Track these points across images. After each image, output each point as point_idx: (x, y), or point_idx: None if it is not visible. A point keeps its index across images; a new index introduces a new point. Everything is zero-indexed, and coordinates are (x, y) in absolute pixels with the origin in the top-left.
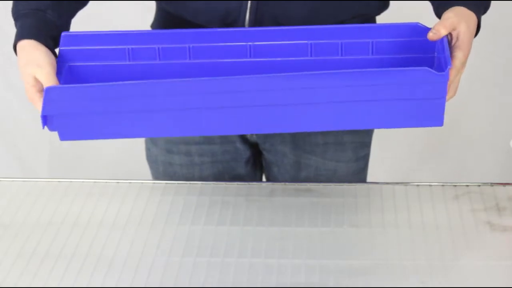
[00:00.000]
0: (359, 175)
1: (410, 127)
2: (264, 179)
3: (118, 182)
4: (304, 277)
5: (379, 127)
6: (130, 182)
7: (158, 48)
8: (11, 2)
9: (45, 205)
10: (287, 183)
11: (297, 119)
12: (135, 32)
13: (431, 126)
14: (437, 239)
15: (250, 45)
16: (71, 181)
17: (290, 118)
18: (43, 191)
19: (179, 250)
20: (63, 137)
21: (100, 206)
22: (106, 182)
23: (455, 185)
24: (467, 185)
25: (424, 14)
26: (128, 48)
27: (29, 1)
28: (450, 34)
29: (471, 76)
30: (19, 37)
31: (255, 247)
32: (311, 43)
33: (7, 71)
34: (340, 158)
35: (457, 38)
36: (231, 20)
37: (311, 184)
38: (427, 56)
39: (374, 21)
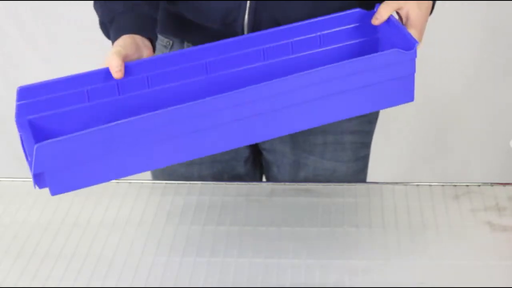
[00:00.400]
0: (358, 175)
1: (385, 107)
2: (264, 179)
3: (118, 182)
4: (304, 277)
5: (355, 114)
6: (130, 182)
7: (117, 84)
8: (16, 2)
9: (45, 205)
10: (287, 183)
11: (284, 121)
12: (90, 72)
13: (403, 103)
14: (437, 239)
15: (205, 62)
16: None
17: (278, 122)
18: (43, 191)
19: (179, 250)
20: (54, 191)
21: (100, 206)
22: None
23: (455, 185)
24: (467, 185)
25: None
26: (87, 89)
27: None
28: (398, 13)
29: (472, 76)
30: (120, 32)
31: (255, 247)
32: (263, 48)
33: (7, 71)
34: (339, 158)
35: (407, 17)
36: (231, 20)
37: (311, 184)
38: (372, 38)
39: None
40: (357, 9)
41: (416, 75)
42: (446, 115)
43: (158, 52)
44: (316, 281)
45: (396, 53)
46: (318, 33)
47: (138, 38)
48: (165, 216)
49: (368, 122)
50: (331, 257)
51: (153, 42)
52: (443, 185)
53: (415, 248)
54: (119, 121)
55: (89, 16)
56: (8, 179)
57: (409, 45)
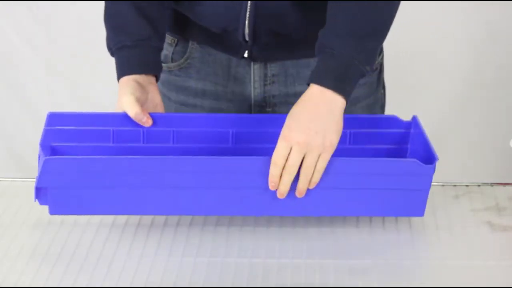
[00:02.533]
0: None
1: (391, 215)
2: None
3: None
4: (304, 277)
5: (361, 215)
6: None
7: (143, 131)
8: (15, 2)
9: (45, 205)
10: None
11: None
12: (119, 114)
13: (411, 216)
14: (437, 239)
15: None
16: None
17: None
18: None
19: (179, 250)
20: (53, 211)
21: None
22: None
23: (455, 185)
24: (467, 185)
25: (423, 15)
26: (113, 130)
27: (129, 32)
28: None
29: (471, 76)
30: (126, 70)
31: (255, 247)
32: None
33: (7, 71)
34: None
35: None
36: (232, 29)
37: None
38: (402, 147)
39: None
40: (392, 116)
41: (416, 73)
42: (446, 114)
43: (164, 50)
44: (316, 281)
45: (413, 164)
46: (349, 130)
47: (141, 79)
48: (164, 216)
49: None
50: (331, 257)
51: (157, 77)
52: (443, 185)
53: (415, 248)
54: (122, 156)
55: (89, 16)
56: (8, 179)
57: (430, 159)
